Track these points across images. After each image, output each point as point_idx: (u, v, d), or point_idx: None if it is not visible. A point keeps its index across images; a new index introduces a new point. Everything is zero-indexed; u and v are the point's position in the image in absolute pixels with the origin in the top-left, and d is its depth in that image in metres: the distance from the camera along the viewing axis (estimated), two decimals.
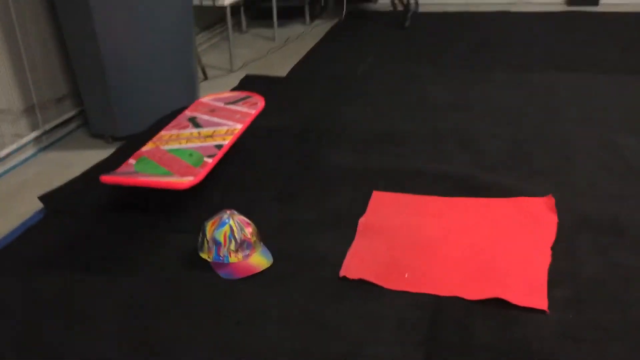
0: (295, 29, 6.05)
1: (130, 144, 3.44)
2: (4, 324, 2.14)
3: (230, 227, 2.42)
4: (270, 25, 6.01)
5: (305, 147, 3.33)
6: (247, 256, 2.44)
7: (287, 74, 4.67)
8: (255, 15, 6.45)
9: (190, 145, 2.86)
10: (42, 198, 2.92)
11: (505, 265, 2.30)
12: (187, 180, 2.53)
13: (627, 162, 2.99)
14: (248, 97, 3.39)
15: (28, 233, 2.70)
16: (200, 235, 2.49)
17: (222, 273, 2.37)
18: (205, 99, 3.44)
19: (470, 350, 1.94)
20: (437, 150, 3.23)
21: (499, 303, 2.12)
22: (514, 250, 2.38)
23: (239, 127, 3.00)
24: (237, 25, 6.11)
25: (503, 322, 2.05)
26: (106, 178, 2.60)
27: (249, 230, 2.46)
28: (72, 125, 3.91)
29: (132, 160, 2.78)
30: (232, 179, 3.04)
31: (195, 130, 3.00)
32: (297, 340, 2.03)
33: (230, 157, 3.23)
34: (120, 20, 3.28)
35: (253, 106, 3.25)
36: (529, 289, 2.17)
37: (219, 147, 2.82)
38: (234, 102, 3.31)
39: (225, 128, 2.99)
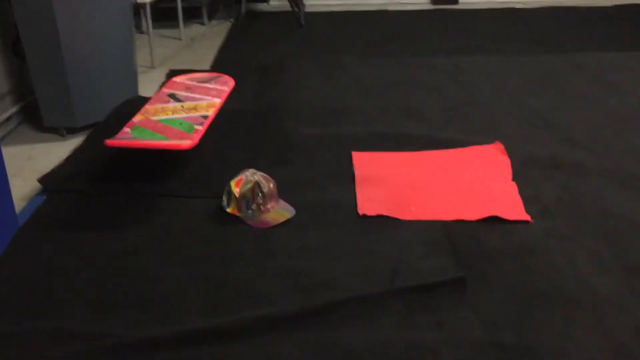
0: (195, 28, 6.26)
1: (98, 131, 3.53)
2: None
3: (257, 183, 2.71)
4: (170, 26, 6.15)
5: (273, 124, 3.66)
6: (273, 208, 2.74)
7: (211, 67, 4.92)
8: (154, 17, 6.53)
9: (177, 116, 3.08)
10: (41, 180, 2.96)
11: (485, 193, 2.85)
12: (187, 142, 2.78)
13: (541, 116, 3.71)
14: (218, 76, 3.65)
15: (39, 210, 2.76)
16: (226, 193, 2.75)
17: (253, 224, 2.65)
18: (178, 78, 3.63)
19: (486, 252, 2.45)
20: (388, 119, 3.73)
21: (492, 220, 2.65)
22: (487, 183, 2.94)
23: (217, 101, 3.27)
24: (136, 27, 6.16)
25: (502, 232, 2.59)
26: (111, 142, 2.75)
27: (271, 185, 2.76)
28: (13, 122, 3.86)
29: (127, 129, 2.93)
30: (219, 153, 3.29)
31: (178, 104, 3.22)
32: (347, 265, 2.39)
33: (209, 135, 3.46)
34: (78, 19, 3.43)
35: (225, 84, 3.52)
36: (512, 207, 2.74)
37: (205, 117, 3.07)
38: (207, 81, 3.55)
39: (205, 102, 3.24)
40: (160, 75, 4.83)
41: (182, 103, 3.24)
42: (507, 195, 2.85)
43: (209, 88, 3.46)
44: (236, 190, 2.70)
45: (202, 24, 6.41)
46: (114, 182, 2.99)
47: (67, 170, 3.10)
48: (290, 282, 2.30)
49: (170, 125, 2.99)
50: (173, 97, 3.33)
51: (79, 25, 3.45)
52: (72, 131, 3.72)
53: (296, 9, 6.26)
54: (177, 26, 5.96)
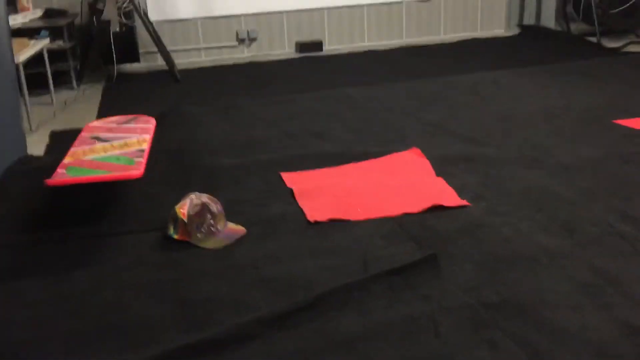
0: (65, 93, 5.99)
1: None
2: None
3: (205, 204, 2.65)
4: (37, 94, 5.83)
5: (190, 159, 3.59)
6: (223, 227, 2.68)
7: None
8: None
9: (111, 153, 2.94)
10: None
11: (419, 189, 3.02)
12: (136, 172, 2.68)
13: (438, 125, 4.02)
14: (136, 117, 3.53)
15: None
16: (171, 221, 2.65)
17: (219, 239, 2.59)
18: (95, 123, 3.47)
19: (440, 234, 2.59)
20: (300, 143, 3.83)
21: (434, 209, 2.81)
22: (417, 181, 3.12)
23: (147, 137, 3.16)
24: None
25: (447, 217, 2.75)
26: (52, 181, 2.57)
27: (219, 205, 2.71)
28: None
29: (60, 170, 2.74)
30: (145, 190, 3.16)
31: (107, 144, 3.07)
32: (317, 265, 2.40)
33: None
34: None
35: (147, 122, 3.42)
36: (448, 196, 2.92)
37: (142, 150, 2.97)
38: (127, 122, 3.43)
39: (134, 139, 3.12)
40: (40, 137, 4.55)
41: (110, 142, 3.09)
42: (439, 187, 3.03)
43: (132, 127, 3.34)
44: (183, 215, 2.62)
45: (72, 88, 6.17)
46: (40, 231, 2.76)
47: None
48: (267, 289, 2.26)
49: (107, 161, 2.83)
50: (98, 138, 3.17)
51: None
52: None
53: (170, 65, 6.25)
54: (44, 93, 5.68)
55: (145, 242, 2.65)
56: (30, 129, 4.79)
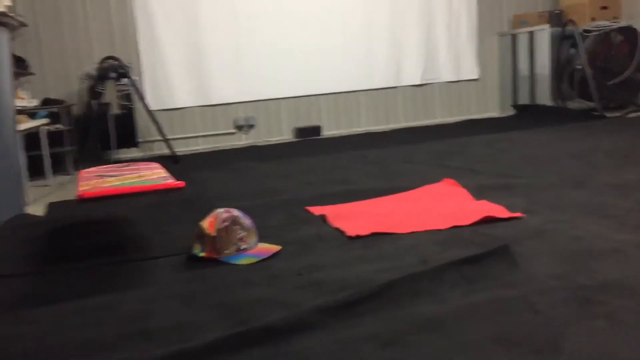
0: (60, 178, 5.74)
1: None
2: None
3: (236, 217, 2.35)
4: (34, 178, 5.59)
5: (206, 204, 3.30)
6: (255, 244, 2.37)
7: None
8: None
9: (131, 181, 2.64)
10: None
11: (466, 207, 2.75)
12: (177, 182, 2.43)
13: (468, 169, 3.80)
14: (134, 163, 3.27)
15: None
16: (196, 239, 2.34)
17: (241, 256, 2.26)
18: (94, 169, 3.15)
19: (500, 239, 2.28)
20: (319, 186, 3.58)
21: (485, 223, 2.52)
22: (460, 202, 2.85)
23: (161, 170, 2.90)
24: None
25: (504, 226, 2.47)
26: (88, 193, 2.27)
27: (249, 220, 2.41)
28: None
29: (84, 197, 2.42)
30: (167, 225, 2.86)
31: (119, 177, 2.78)
32: (374, 268, 2.08)
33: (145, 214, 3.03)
34: None
35: (151, 164, 3.16)
36: (498, 210, 2.65)
37: (164, 177, 2.69)
38: (127, 166, 3.15)
39: (149, 172, 2.85)
40: (37, 209, 4.26)
41: (122, 176, 2.79)
42: (487, 205, 2.77)
43: (138, 167, 3.07)
44: (211, 229, 2.31)
45: (68, 174, 5.93)
46: (63, 263, 2.43)
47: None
48: (318, 289, 1.92)
49: (133, 185, 2.52)
50: (104, 176, 2.87)
51: None
52: None
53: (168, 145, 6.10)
54: (39, 178, 5.44)
55: (171, 265, 2.31)
56: (26, 202, 4.50)
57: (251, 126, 7.13)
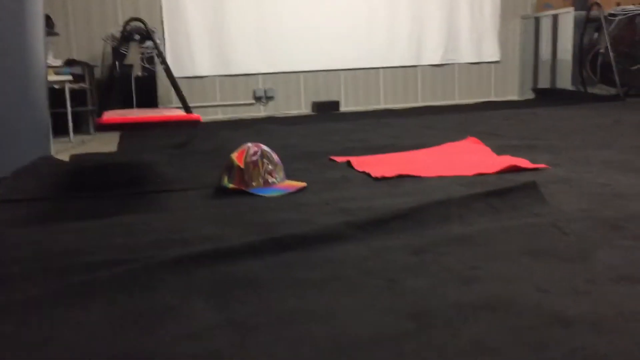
0: (81, 137, 5.81)
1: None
2: None
3: (264, 151, 2.38)
4: (55, 135, 5.65)
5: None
6: (282, 179, 2.40)
7: (118, 149, 4.51)
8: None
9: (154, 114, 2.69)
10: None
11: (490, 159, 2.76)
12: (195, 115, 2.46)
13: (491, 133, 3.81)
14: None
15: None
16: (224, 170, 2.37)
17: (268, 190, 2.29)
18: (119, 110, 3.20)
19: (526, 184, 2.29)
20: (346, 139, 3.60)
21: (510, 173, 2.53)
22: (484, 155, 2.87)
23: (179, 110, 2.94)
24: None
25: (529, 175, 2.47)
26: (107, 119, 2.32)
27: (276, 155, 2.44)
28: None
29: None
30: (193, 164, 2.90)
31: (143, 113, 2.82)
32: (402, 200, 2.10)
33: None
34: None
35: (171, 109, 3.20)
36: (523, 162, 2.66)
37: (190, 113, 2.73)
38: (152, 111, 3.20)
39: (167, 111, 2.89)
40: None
41: (147, 113, 2.84)
42: (510, 158, 2.78)
43: (159, 110, 3.12)
44: (240, 161, 2.34)
45: (89, 133, 5.99)
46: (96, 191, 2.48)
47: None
48: (348, 215, 1.94)
49: (151, 115, 2.58)
50: (129, 113, 2.92)
51: None
52: None
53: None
54: (62, 135, 5.51)
55: (200, 195, 2.35)
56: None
57: (270, 98, 7.16)
